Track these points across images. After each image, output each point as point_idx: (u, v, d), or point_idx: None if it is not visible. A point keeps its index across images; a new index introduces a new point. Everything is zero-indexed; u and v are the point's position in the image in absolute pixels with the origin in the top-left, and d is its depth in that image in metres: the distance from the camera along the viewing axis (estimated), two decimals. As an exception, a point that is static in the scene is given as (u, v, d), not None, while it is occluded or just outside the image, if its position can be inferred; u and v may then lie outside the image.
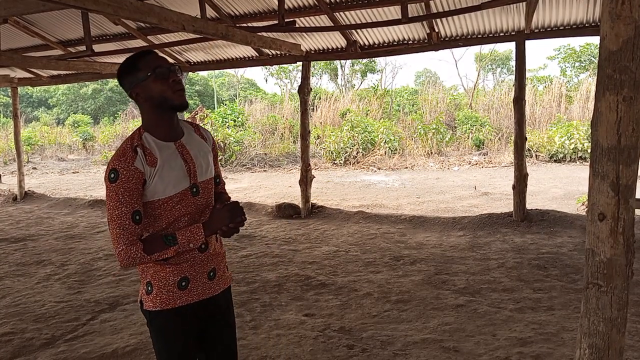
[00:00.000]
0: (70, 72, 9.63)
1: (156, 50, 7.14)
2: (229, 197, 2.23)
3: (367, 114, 19.95)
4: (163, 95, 1.87)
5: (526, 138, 7.03)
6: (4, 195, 11.24)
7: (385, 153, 16.30)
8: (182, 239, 1.89)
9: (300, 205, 8.26)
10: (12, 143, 15.24)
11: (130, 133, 1.96)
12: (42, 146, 22.59)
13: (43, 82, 10.85)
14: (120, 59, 9.02)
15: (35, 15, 7.54)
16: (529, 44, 7.03)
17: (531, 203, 7.65)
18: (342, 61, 28.29)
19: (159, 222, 1.93)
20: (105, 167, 2.83)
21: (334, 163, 16.22)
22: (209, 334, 2.11)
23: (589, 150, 1.92)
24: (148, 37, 8.04)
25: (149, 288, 1.97)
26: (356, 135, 16.29)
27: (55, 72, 10.25)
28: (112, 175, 1.81)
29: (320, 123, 19.49)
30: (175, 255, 1.93)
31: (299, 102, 8.50)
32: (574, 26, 6.61)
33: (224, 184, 2.28)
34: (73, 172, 16.98)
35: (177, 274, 1.96)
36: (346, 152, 16.17)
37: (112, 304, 4.60)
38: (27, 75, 10.41)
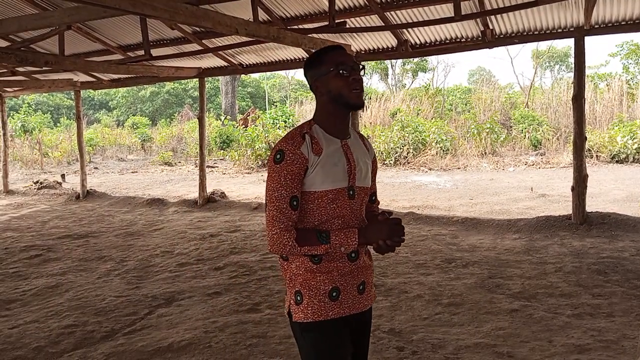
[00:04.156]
0: (129, 75, 10.03)
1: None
2: None
3: (418, 114, 19.69)
4: (340, 92, 1.86)
5: (586, 138, 6.79)
6: (67, 193, 11.80)
7: (436, 153, 16.04)
8: (335, 239, 1.82)
9: (351, 206, 8.24)
10: (75, 144, 15.96)
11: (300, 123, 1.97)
12: (103, 147, 23.59)
13: (104, 86, 11.36)
14: (176, 62, 9.29)
15: (96, 22, 7.88)
16: (589, 40, 6.76)
17: (591, 205, 7.36)
18: (393, 60, 28.06)
19: (311, 218, 1.86)
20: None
21: (384, 163, 16.11)
22: (354, 353, 1.97)
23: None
24: (203, 40, 8.24)
25: (299, 298, 1.87)
26: (407, 135, 16.12)
27: (115, 76, 10.67)
28: (278, 156, 1.81)
29: (370, 123, 19.39)
30: (325, 262, 1.85)
31: (350, 103, 8.48)
32: (636, 21, 6.32)
33: (379, 203, 2.18)
34: (132, 172, 17.63)
35: (328, 283, 1.86)
36: (396, 152, 16.03)
37: (169, 299, 4.75)
38: (89, 79, 10.90)
